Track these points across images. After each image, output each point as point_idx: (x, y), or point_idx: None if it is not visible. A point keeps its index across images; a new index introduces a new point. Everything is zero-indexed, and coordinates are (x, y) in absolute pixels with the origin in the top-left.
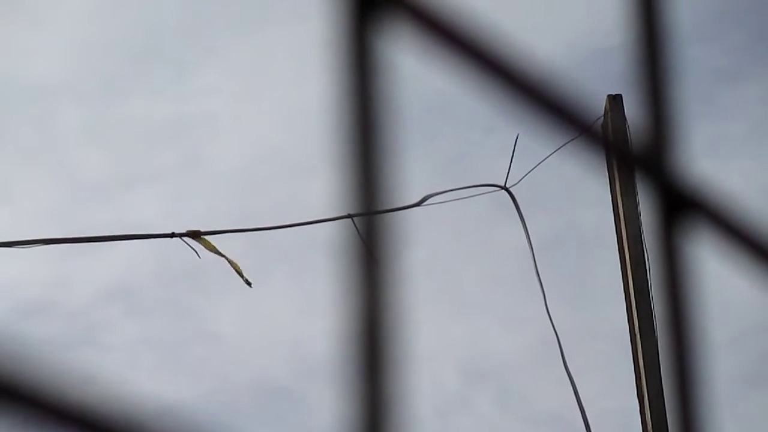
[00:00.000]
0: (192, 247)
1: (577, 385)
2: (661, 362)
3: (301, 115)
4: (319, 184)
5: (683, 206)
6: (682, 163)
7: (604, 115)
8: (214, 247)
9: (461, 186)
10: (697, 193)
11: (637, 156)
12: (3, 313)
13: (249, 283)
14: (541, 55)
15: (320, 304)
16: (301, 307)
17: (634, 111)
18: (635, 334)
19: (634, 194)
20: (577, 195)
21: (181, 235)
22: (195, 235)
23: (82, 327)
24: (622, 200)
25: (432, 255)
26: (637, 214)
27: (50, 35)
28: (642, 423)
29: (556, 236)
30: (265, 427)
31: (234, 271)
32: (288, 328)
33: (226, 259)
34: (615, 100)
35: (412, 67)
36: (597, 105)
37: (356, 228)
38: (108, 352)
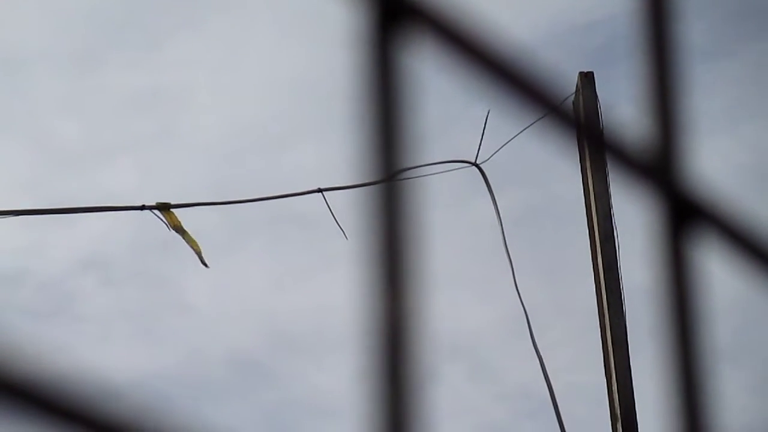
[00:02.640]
0: (162, 220)
1: (548, 359)
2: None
3: (278, 87)
4: (295, 157)
5: (691, 215)
6: (691, 171)
7: (576, 92)
8: (179, 224)
9: (433, 162)
10: (705, 201)
11: (645, 164)
12: None
13: (205, 265)
14: (515, 31)
15: (294, 276)
16: (275, 280)
17: (605, 89)
18: (603, 310)
19: (604, 170)
20: (552, 170)
21: (150, 208)
22: (165, 207)
23: (55, 297)
24: (591, 176)
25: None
26: (607, 190)
27: (25, 4)
28: (609, 398)
29: (530, 210)
30: (236, 399)
31: (192, 249)
32: (261, 300)
33: (185, 238)
34: (587, 78)
35: (410, 63)
36: (571, 82)
37: (326, 202)
38: (81, 322)
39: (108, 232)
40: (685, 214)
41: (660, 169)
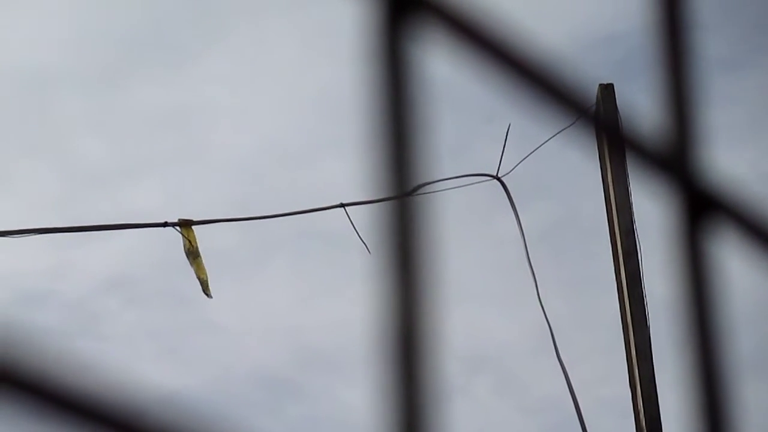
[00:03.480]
0: (184, 236)
1: (574, 372)
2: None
3: (302, 103)
4: (320, 172)
5: (707, 207)
6: (705, 164)
7: (596, 104)
8: (195, 246)
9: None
10: (721, 193)
11: (660, 156)
12: (2, 302)
13: (208, 295)
14: (540, 41)
15: (319, 292)
16: (301, 296)
17: (626, 100)
18: (627, 323)
19: (626, 182)
20: (576, 182)
21: (173, 225)
22: (187, 224)
23: (81, 316)
24: (613, 190)
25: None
26: (629, 203)
27: (51, 23)
28: (634, 410)
29: (555, 223)
30: (264, 415)
31: (197, 278)
32: (287, 316)
33: (194, 264)
34: (607, 90)
35: (421, 56)
36: (592, 93)
37: (348, 217)
38: (107, 341)
39: (133, 250)
40: (702, 208)
41: (676, 162)
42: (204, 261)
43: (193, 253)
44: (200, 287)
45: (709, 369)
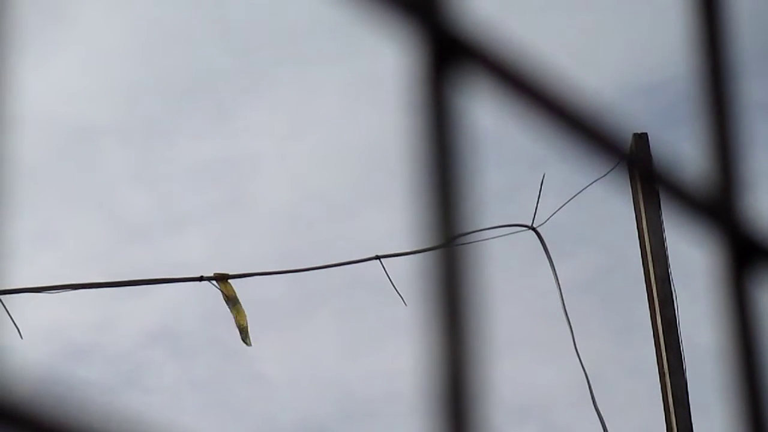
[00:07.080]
0: (221, 290)
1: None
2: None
3: (344, 154)
4: (360, 223)
5: (754, 255)
6: (750, 210)
7: (630, 153)
8: (233, 294)
9: (490, 226)
10: (766, 240)
11: (703, 203)
12: (48, 356)
13: (247, 343)
14: (584, 89)
15: (363, 342)
16: (345, 346)
17: (662, 150)
18: (663, 370)
19: (661, 230)
20: (618, 230)
21: (209, 279)
22: (223, 278)
23: (126, 369)
24: (649, 236)
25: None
26: (665, 251)
27: (95, 77)
28: None
29: (597, 271)
30: None
31: (236, 325)
32: (331, 367)
33: (233, 311)
34: (641, 139)
35: (466, 105)
36: (629, 142)
37: (384, 269)
38: (152, 393)
39: (177, 303)
40: (748, 255)
41: (721, 208)
42: (247, 311)
43: (232, 300)
44: (239, 335)
45: (756, 420)
